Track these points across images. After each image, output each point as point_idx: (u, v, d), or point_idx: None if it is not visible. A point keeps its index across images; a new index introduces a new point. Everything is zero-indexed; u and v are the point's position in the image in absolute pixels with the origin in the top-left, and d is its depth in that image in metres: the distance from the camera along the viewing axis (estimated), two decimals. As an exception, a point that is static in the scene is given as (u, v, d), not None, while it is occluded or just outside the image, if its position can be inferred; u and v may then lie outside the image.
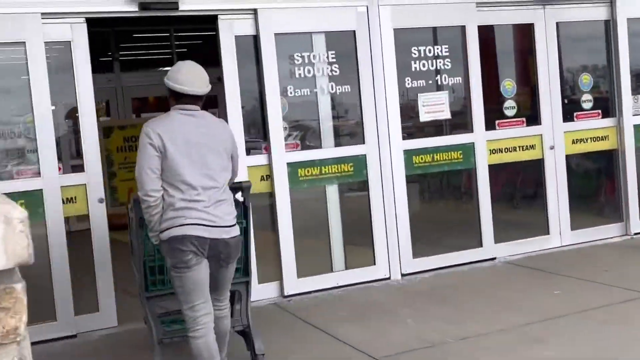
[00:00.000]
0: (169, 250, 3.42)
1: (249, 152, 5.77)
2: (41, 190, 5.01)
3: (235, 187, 3.81)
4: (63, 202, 5.08)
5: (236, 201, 3.74)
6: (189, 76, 3.49)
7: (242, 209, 3.93)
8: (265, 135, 5.75)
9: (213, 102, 9.29)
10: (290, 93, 5.83)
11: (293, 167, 5.79)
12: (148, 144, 3.38)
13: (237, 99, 5.62)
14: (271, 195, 5.74)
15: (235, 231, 3.55)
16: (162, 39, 11.54)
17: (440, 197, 7.29)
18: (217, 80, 5.19)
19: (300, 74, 5.85)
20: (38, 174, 5.03)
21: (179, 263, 3.39)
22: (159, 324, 3.95)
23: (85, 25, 5.19)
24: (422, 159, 6.19)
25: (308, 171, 5.85)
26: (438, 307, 5.20)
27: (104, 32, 10.19)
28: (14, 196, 4.63)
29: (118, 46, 11.72)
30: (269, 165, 5.70)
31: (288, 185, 5.75)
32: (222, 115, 5.56)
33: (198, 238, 3.38)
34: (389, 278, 6.00)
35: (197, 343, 3.47)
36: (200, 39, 11.33)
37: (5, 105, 5.12)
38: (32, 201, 4.91)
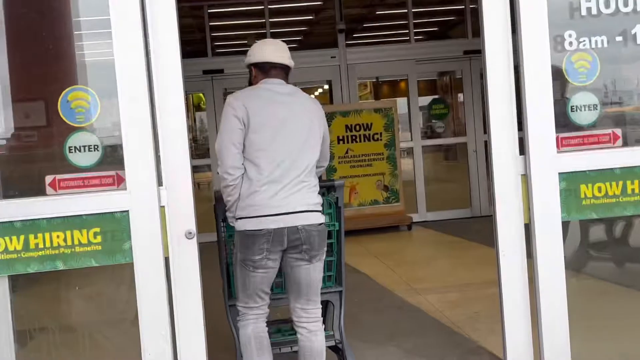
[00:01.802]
0: (241, 243, 3.16)
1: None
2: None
3: (327, 186, 3.55)
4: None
5: (329, 202, 3.53)
6: (274, 47, 3.30)
7: (335, 210, 3.63)
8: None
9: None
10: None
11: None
12: (232, 115, 3.12)
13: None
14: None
15: (317, 218, 3.20)
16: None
17: None
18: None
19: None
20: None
21: (248, 261, 3.16)
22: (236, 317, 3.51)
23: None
24: None
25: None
26: None
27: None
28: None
29: (342, 12, 9.93)
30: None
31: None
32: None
33: (274, 232, 3.10)
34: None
35: (245, 332, 3.27)
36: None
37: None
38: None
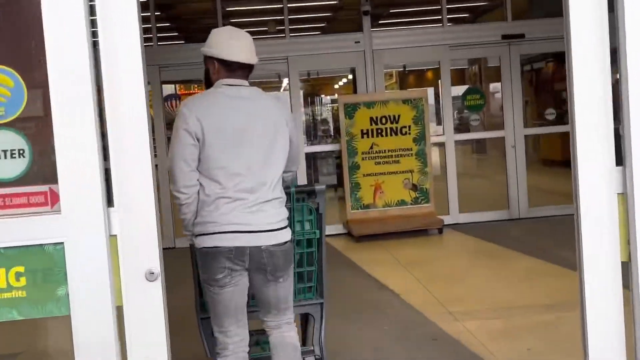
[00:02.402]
0: (201, 262, 2.92)
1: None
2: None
3: (307, 191, 3.39)
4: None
5: (309, 208, 3.37)
6: (243, 43, 2.94)
7: (315, 217, 3.41)
8: None
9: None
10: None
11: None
12: (183, 130, 2.81)
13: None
14: None
15: (284, 236, 2.95)
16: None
17: None
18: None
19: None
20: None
21: (210, 280, 2.91)
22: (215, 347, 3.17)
23: None
24: None
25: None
26: None
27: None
28: None
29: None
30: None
31: None
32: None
33: (234, 250, 2.85)
34: None
35: None
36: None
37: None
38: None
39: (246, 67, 2.94)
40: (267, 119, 2.94)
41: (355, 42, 9.07)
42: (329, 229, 9.56)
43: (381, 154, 8.80)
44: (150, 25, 8.85)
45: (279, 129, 2.96)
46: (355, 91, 9.40)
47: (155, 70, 8.73)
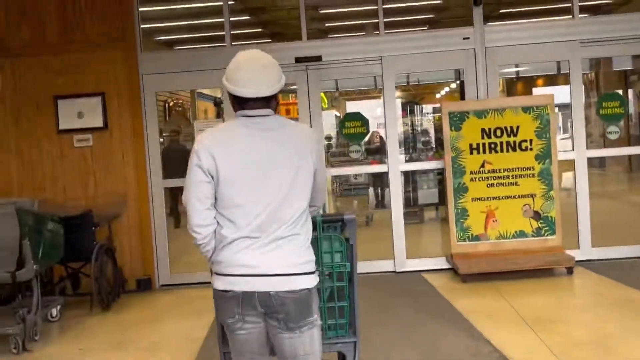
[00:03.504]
0: (215, 302, 2.77)
1: None
2: None
3: (335, 220, 3.24)
4: None
5: (339, 239, 3.22)
6: (249, 73, 2.66)
7: (345, 249, 3.26)
8: None
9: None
10: None
11: None
12: (196, 166, 2.65)
13: None
14: None
15: (301, 282, 2.67)
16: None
17: None
18: None
19: None
20: None
21: (223, 323, 2.79)
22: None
23: None
24: None
25: None
26: None
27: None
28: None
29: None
30: None
31: None
32: None
33: (241, 295, 2.66)
34: None
35: None
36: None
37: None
38: None
39: (262, 98, 2.68)
40: (290, 150, 2.69)
41: (464, 39, 7.51)
42: (428, 263, 7.96)
43: (495, 174, 7.19)
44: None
45: (303, 162, 2.70)
46: (462, 96, 7.83)
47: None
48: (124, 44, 7.50)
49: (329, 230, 3.20)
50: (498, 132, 7.19)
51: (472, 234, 7.21)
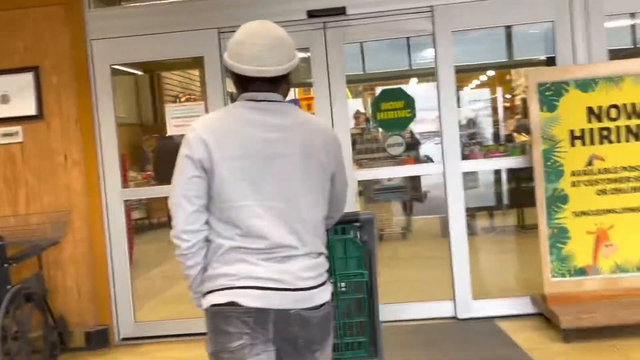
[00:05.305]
0: (209, 328, 2.24)
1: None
2: None
3: (349, 221, 2.91)
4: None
5: (353, 242, 2.91)
6: (255, 48, 2.23)
7: (362, 254, 2.93)
8: None
9: None
10: None
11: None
12: (186, 157, 2.22)
13: None
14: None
15: (321, 296, 2.26)
16: None
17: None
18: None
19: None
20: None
21: (222, 352, 2.19)
22: None
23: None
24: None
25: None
26: None
27: None
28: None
29: None
30: None
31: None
32: None
33: (256, 313, 2.16)
34: None
35: None
36: None
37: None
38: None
39: (269, 79, 2.24)
40: (302, 145, 2.25)
41: (552, -21, 5.14)
42: (504, 305, 5.16)
43: (609, 176, 4.80)
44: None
45: (322, 158, 2.29)
46: (551, 61, 5.41)
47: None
48: (65, -5, 5.30)
49: (345, 232, 2.84)
50: (612, 113, 4.80)
51: (575, 266, 4.82)
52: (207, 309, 2.25)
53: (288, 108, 2.32)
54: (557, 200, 4.82)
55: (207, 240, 2.26)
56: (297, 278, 2.21)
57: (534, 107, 4.84)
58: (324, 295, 2.28)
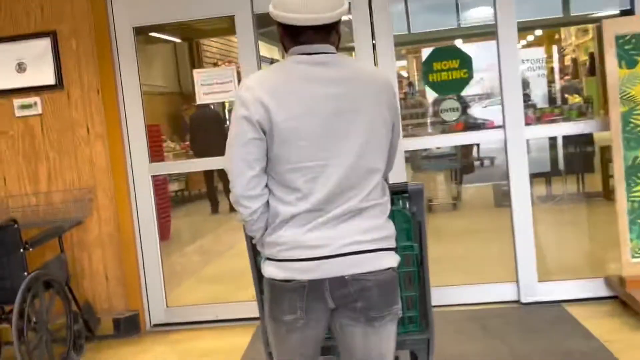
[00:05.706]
0: (269, 294, 2.22)
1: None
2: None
3: (397, 192, 2.65)
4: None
5: (404, 215, 2.65)
6: None
7: (411, 226, 2.70)
8: None
9: None
10: None
11: None
12: (243, 118, 2.09)
13: None
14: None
15: (382, 261, 2.16)
16: None
17: None
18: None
19: None
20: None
21: (277, 319, 2.21)
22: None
23: None
24: None
25: None
26: None
27: None
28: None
29: None
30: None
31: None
32: None
33: (308, 286, 2.11)
34: None
35: None
36: None
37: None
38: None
39: (320, 27, 2.10)
40: (363, 99, 2.13)
41: None
42: (572, 288, 4.49)
43: (701, 142, 4.15)
44: None
45: (379, 114, 2.15)
46: (634, 9, 4.72)
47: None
48: (81, -50, 4.82)
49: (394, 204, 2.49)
50: None
51: (659, 246, 4.22)
52: (266, 278, 2.22)
53: (344, 59, 2.19)
54: (638, 170, 4.20)
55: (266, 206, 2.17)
56: (351, 242, 2.12)
57: (611, 62, 4.19)
58: (387, 260, 2.18)
